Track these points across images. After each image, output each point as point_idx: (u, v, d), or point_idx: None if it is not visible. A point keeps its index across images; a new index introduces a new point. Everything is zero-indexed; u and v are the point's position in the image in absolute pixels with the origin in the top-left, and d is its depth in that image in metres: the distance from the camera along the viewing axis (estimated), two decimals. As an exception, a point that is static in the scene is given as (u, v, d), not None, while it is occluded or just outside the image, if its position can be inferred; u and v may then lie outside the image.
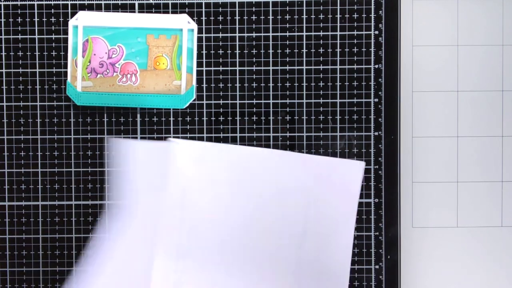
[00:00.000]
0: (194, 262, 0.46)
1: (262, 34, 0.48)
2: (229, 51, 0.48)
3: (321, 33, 0.48)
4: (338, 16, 0.48)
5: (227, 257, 0.46)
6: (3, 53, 0.48)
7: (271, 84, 0.48)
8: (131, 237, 0.46)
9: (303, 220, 0.46)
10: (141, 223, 0.46)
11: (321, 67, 0.48)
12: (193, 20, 0.48)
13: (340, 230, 0.47)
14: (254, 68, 0.48)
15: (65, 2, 0.48)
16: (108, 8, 0.48)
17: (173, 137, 0.47)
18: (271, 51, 0.48)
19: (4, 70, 0.48)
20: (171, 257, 0.46)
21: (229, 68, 0.48)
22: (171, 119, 0.48)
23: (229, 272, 0.46)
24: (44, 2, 0.48)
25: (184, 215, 0.46)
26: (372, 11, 0.48)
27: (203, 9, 0.48)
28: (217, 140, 0.48)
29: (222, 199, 0.46)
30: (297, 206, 0.47)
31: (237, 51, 0.48)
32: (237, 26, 0.48)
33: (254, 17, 0.48)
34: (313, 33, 0.48)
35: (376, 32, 0.48)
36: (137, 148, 0.46)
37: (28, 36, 0.48)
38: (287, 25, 0.48)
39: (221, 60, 0.48)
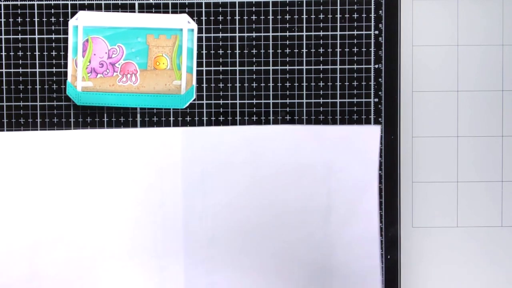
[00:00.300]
0: (222, 247, 0.46)
1: (262, 34, 0.48)
2: (229, 51, 0.48)
3: (321, 33, 0.48)
4: (338, 16, 0.48)
5: (254, 238, 0.46)
6: (3, 53, 0.48)
7: (271, 84, 0.48)
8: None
9: (326, 193, 0.46)
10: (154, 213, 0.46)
11: (321, 67, 0.48)
12: (193, 20, 0.48)
13: (364, 197, 0.46)
14: (254, 68, 0.48)
15: (65, 2, 0.48)
16: (108, 8, 0.48)
17: (173, 137, 0.48)
18: (271, 51, 0.48)
19: (4, 70, 0.48)
20: (199, 245, 0.46)
21: (229, 68, 0.48)
22: (171, 119, 0.48)
23: (257, 253, 0.46)
24: (44, 2, 0.48)
25: (205, 201, 0.46)
26: (372, 11, 0.48)
27: (203, 9, 0.48)
28: (217, 140, 0.48)
29: (241, 181, 0.46)
30: (317, 179, 0.46)
31: (237, 51, 0.48)
32: (237, 26, 0.48)
33: (254, 17, 0.48)
34: (313, 33, 0.48)
35: (376, 32, 0.48)
36: (140, 136, 0.47)
37: (28, 36, 0.48)
38: (287, 25, 0.48)
39: (221, 60, 0.48)
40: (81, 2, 0.48)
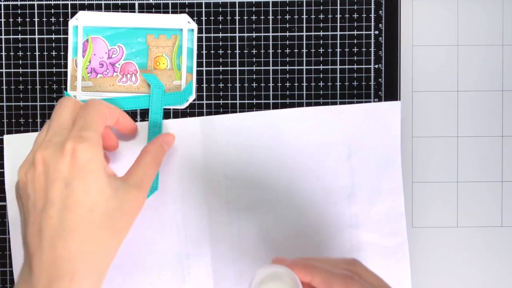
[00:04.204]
0: (248, 232, 0.46)
1: (262, 34, 0.48)
2: (229, 51, 0.48)
3: (321, 33, 0.48)
4: (338, 16, 0.48)
5: (280, 221, 0.46)
6: (3, 53, 0.48)
7: (271, 84, 0.48)
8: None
9: (349, 172, 0.46)
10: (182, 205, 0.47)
11: (321, 67, 0.48)
12: (193, 20, 0.48)
13: (387, 174, 0.46)
14: (254, 68, 0.48)
15: (65, 2, 0.48)
16: (108, 8, 0.48)
17: (173, 137, 0.48)
18: (271, 51, 0.48)
19: (4, 70, 0.48)
20: (224, 231, 0.46)
21: (229, 68, 0.48)
22: (172, 119, 0.48)
23: (285, 237, 0.46)
24: (44, 2, 0.48)
25: (229, 188, 0.46)
26: (372, 11, 0.48)
27: (203, 9, 0.48)
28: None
29: (264, 166, 0.46)
30: (339, 159, 0.46)
31: (237, 51, 0.48)
32: (237, 26, 0.48)
33: (254, 17, 0.48)
34: (313, 33, 0.48)
35: (376, 32, 0.48)
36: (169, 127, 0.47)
37: (28, 36, 0.48)
38: (287, 25, 0.48)
39: (221, 60, 0.48)
40: (81, 2, 0.48)
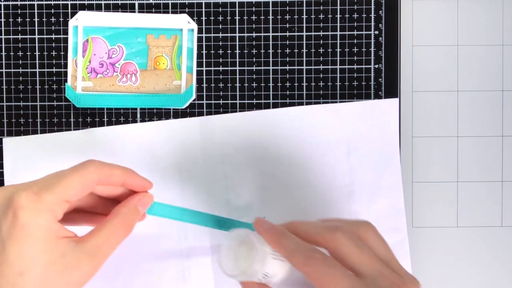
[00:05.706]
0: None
1: (262, 34, 0.48)
2: (229, 51, 0.48)
3: (321, 33, 0.48)
4: (338, 16, 0.48)
5: (280, 221, 0.46)
6: (3, 53, 0.48)
7: (271, 84, 0.48)
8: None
9: (348, 170, 0.47)
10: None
11: (321, 67, 0.48)
12: (193, 20, 0.48)
13: (387, 171, 0.47)
14: (254, 68, 0.48)
15: (65, 2, 0.48)
16: (108, 8, 0.48)
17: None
18: (271, 51, 0.48)
19: (4, 70, 0.48)
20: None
21: (229, 68, 0.48)
22: (171, 119, 0.48)
23: None
24: (44, 2, 0.48)
25: (228, 187, 0.47)
26: (372, 11, 0.48)
27: (203, 9, 0.48)
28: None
29: (263, 164, 0.47)
30: (338, 157, 0.47)
31: (237, 51, 0.48)
32: (237, 26, 0.48)
33: (254, 17, 0.48)
34: (313, 33, 0.48)
35: (376, 32, 0.48)
36: (167, 127, 0.47)
37: (28, 36, 0.48)
38: (287, 25, 0.48)
39: (221, 60, 0.48)
40: (81, 2, 0.47)
